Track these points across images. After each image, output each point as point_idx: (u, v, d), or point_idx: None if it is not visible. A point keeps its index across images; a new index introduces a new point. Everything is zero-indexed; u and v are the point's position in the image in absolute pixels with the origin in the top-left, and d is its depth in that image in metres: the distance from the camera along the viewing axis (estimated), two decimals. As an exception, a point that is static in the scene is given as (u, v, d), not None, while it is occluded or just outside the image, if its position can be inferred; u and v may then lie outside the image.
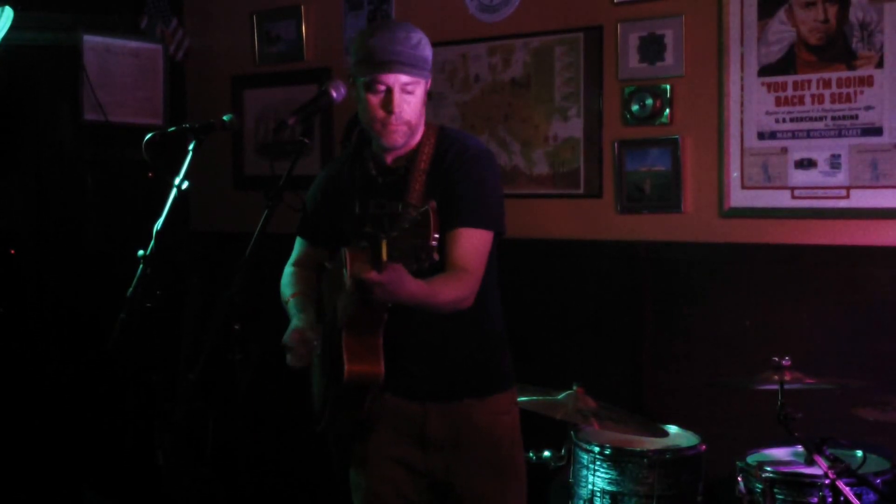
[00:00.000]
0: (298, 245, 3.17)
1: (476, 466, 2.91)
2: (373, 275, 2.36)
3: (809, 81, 3.78)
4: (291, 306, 3.00)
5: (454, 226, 2.76)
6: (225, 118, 2.94)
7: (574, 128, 4.26)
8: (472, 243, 2.78)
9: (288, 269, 3.15)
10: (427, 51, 2.83)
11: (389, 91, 2.79)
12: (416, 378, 2.88)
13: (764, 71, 3.86)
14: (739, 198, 3.92)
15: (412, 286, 2.50)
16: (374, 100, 2.81)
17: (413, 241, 2.25)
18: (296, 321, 2.92)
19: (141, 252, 2.77)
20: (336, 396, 2.81)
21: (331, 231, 3.05)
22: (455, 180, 2.82)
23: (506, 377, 3.02)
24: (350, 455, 3.04)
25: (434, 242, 2.24)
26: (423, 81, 2.84)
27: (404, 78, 2.78)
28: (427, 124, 2.93)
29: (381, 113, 2.81)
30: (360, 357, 2.68)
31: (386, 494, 2.94)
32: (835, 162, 3.74)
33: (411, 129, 2.85)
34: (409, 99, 2.81)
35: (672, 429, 3.68)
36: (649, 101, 4.06)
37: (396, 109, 2.79)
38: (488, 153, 2.96)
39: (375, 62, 2.76)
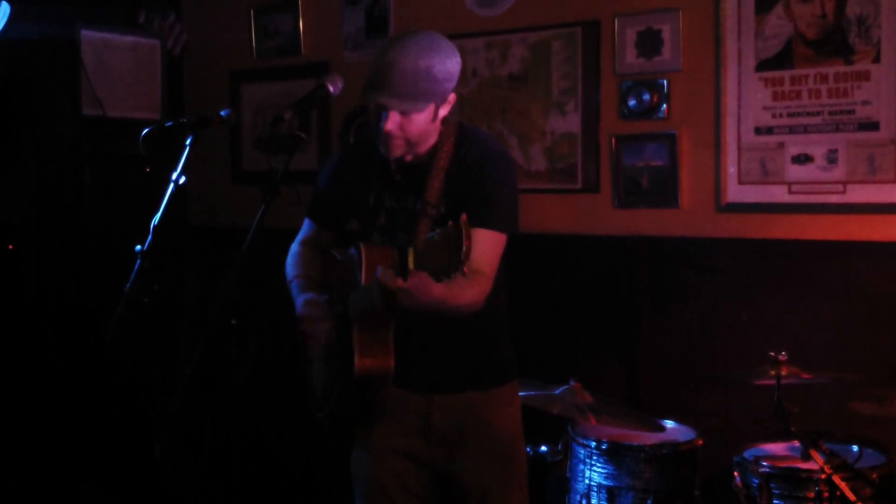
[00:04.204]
0: (307, 225, 3.16)
1: (479, 458, 2.92)
2: (399, 281, 2.37)
3: (807, 76, 3.78)
4: (295, 287, 3.00)
5: (471, 226, 2.75)
6: (222, 112, 2.95)
7: (571, 122, 4.26)
8: (488, 245, 2.77)
9: (294, 248, 3.15)
10: (437, 77, 2.71)
11: (385, 108, 2.74)
12: (419, 370, 2.88)
13: (761, 66, 3.86)
14: (736, 193, 3.92)
15: (435, 292, 2.49)
16: (373, 111, 2.79)
17: (444, 254, 2.25)
18: (301, 301, 2.91)
19: (138, 247, 2.77)
20: (343, 387, 2.82)
21: (342, 217, 3.07)
22: (474, 182, 2.80)
23: (508, 370, 3.03)
24: (351, 441, 3.05)
25: (465, 258, 2.23)
26: (427, 104, 2.75)
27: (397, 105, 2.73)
28: (446, 122, 2.88)
29: (376, 126, 2.79)
30: (371, 351, 2.69)
31: (388, 485, 2.95)
32: (832, 157, 3.74)
33: (411, 145, 2.81)
34: (408, 121, 2.75)
35: (669, 423, 3.69)
36: (646, 96, 4.06)
37: (387, 128, 2.74)
38: (507, 155, 2.97)
39: (372, 83, 2.72)
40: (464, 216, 2.26)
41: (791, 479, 3.26)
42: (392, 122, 2.74)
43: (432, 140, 2.86)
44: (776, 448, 3.51)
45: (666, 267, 4.10)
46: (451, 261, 2.24)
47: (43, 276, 4.85)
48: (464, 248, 2.21)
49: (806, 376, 3.29)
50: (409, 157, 2.87)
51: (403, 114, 2.73)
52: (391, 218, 2.90)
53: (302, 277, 3.02)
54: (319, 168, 3.24)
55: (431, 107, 2.77)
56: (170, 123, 2.98)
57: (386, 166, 2.92)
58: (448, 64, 2.74)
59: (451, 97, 2.82)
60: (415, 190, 2.85)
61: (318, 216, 3.13)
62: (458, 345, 2.90)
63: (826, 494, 3.13)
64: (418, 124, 2.77)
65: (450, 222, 2.26)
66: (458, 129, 2.91)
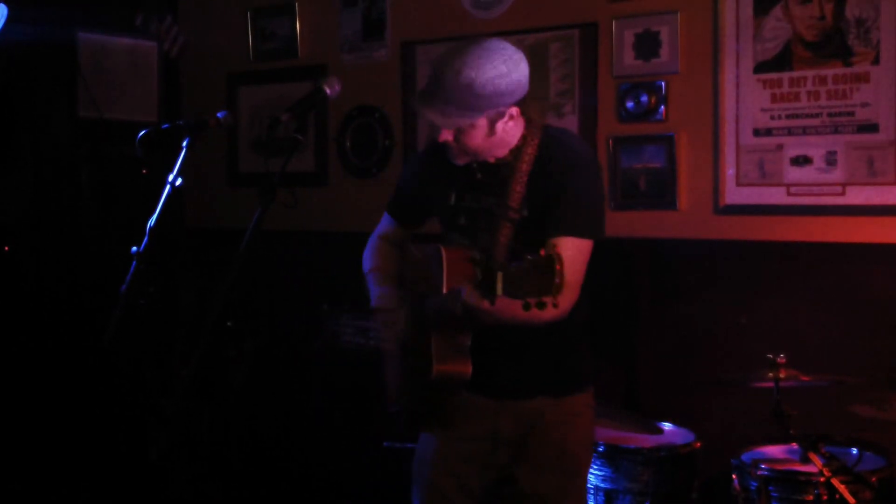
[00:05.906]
0: (385, 220, 3.16)
1: (540, 466, 2.87)
2: (485, 304, 2.31)
3: (805, 78, 3.78)
4: (371, 279, 3.02)
5: (555, 234, 2.71)
6: (218, 115, 2.95)
7: (569, 124, 4.25)
8: (574, 253, 2.71)
9: (372, 241, 3.15)
10: (480, 92, 2.63)
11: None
12: (492, 375, 2.82)
13: (760, 68, 3.85)
14: (735, 195, 3.92)
15: (518, 314, 2.36)
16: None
17: (534, 283, 2.19)
18: (376, 294, 2.94)
19: (134, 249, 2.77)
20: (417, 386, 2.82)
21: (421, 215, 3.07)
22: (558, 187, 2.74)
23: (582, 378, 2.99)
24: (414, 436, 3.05)
25: (557, 291, 2.18)
26: (472, 119, 2.70)
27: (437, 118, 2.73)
28: (529, 123, 2.82)
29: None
30: (448, 357, 2.69)
31: (447, 488, 2.93)
32: (830, 159, 3.74)
33: (475, 155, 2.80)
34: (461, 134, 2.73)
35: (667, 426, 3.68)
36: (644, 98, 4.06)
37: (441, 138, 2.76)
38: (592, 158, 2.91)
39: (422, 92, 2.73)
40: (556, 248, 2.22)
41: (790, 483, 3.25)
42: (444, 133, 2.75)
43: (517, 136, 2.81)
44: (775, 451, 3.50)
45: (664, 269, 4.09)
46: (541, 291, 2.19)
47: (40, 278, 4.84)
48: (556, 281, 2.17)
49: (805, 379, 3.28)
50: (490, 159, 2.83)
51: (445, 126, 2.71)
52: (471, 219, 2.86)
53: (378, 270, 3.03)
54: (403, 164, 3.20)
55: (480, 121, 2.71)
56: (167, 126, 2.98)
57: (469, 166, 2.87)
58: (498, 80, 2.64)
59: (513, 111, 2.73)
60: (496, 192, 2.80)
61: (398, 213, 3.12)
62: (533, 352, 2.85)
63: (825, 497, 3.12)
64: (472, 138, 2.74)
65: (542, 251, 2.19)
66: (542, 131, 2.84)
